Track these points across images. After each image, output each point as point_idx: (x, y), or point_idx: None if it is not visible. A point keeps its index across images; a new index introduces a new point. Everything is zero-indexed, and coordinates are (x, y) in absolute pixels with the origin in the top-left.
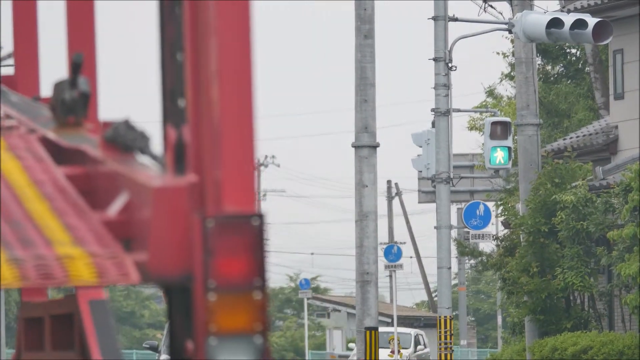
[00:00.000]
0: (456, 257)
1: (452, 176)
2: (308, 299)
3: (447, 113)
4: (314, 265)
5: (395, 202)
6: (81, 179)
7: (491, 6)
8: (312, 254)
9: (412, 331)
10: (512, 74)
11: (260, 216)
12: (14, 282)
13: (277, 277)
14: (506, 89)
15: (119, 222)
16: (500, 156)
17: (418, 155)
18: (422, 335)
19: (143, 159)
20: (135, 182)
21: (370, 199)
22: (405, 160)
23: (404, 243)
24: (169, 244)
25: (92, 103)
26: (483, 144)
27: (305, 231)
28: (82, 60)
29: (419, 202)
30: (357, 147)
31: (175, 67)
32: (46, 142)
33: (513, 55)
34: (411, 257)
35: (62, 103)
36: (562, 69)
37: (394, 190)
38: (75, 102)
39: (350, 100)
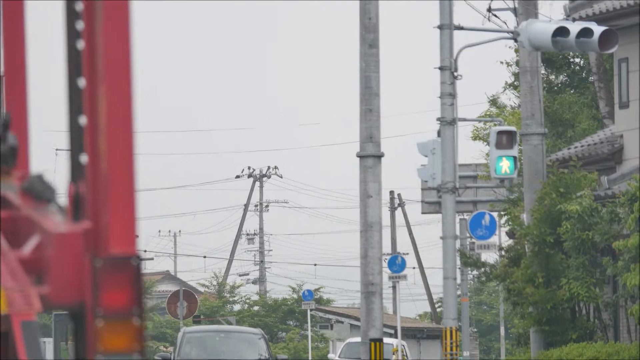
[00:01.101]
0: (459, 268)
1: (457, 186)
2: (311, 310)
3: (452, 122)
4: (317, 277)
5: (398, 212)
6: (7, 222)
7: (495, 15)
8: (315, 265)
9: (394, 341)
10: (515, 83)
11: (139, 257)
12: None
13: (280, 288)
14: (510, 99)
15: (31, 260)
16: (506, 166)
17: (422, 165)
18: (404, 345)
19: (53, 207)
20: (43, 227)
21: (375, 209)
22: (408, 170)
23: (407, 254)
24: (65, 279)
25: (23, 154)
26: (488, 153)
27: (308, 242)
28: (10, 119)
29: (422, 213)
30: (361, 157)
31: (78, 128)
32: None
33: (517, 65)
34: (414, 268)
35: None
36: (566, 78)
37: (396, 201)
38: (5, 154)
39: (354, 110)
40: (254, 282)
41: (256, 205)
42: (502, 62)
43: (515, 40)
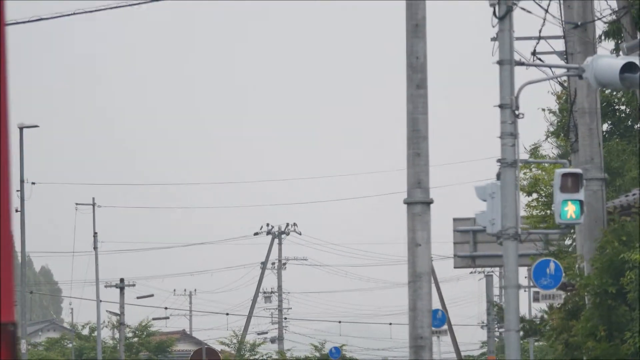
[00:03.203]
0: (480, 325)
1: (520, 232)
2: None
3: (514, 164)
4: (337, 335)
5: None
6: None
7: (539, 59)
8: (339, 322)
9: None
10: (558, 131)
11: (14, 324)
12: None
13: (299, 346)
14: (551, 148)
15: None
16: (571, 210)
17: (471, 215)
18: None
19: None
20: None
21: (423, 258)
22: (435, 224)
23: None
24: None
25: None
26: (528, 204)
27: (326, 300)
28: None
29: (455, 267)
30: (409, 203)
31: None
32: None
33: (560, 112)
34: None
35: None
36: (611, 126)
37: None
38: None
39: (376, 163)
40: (272, 341)
41: (273, 263)
42: (543, 110)
43: (580, 77)
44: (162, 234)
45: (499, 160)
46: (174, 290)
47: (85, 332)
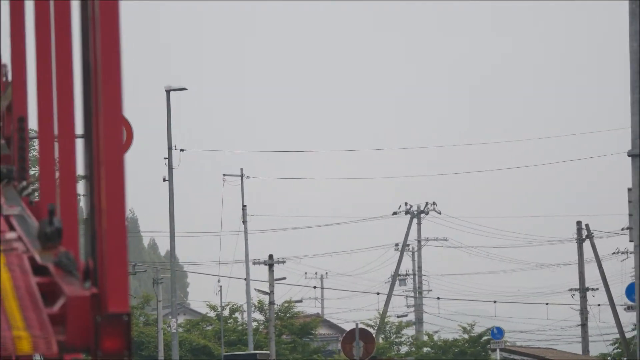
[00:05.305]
0: (625, 308)
1: None
2: (501, 349)
3: None
4: (474, 316)
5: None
6: (46, 285)
7: None
8: (494, 302)
9: None
10: None
11: (128, 314)
12: None
13: (435, 328)
14: None
15: (58, 315)
16: None
17: None
18: None
19: (73, 276)
20: (65, 291)
21: None
22: (596, 195)
23: (597, 289)
24: (76, 330)
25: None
26: None
27: (460, 282)
28: (54, 208)
29: (630, 242)
30: (633, 156)
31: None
32: (32, 259)
33: None
34: (599, 305)
35: (44, 235)
36: None
37: (584, 232)
38: (52, 234)
39: (508, 129)
40: (407, 325)
41: (408, 245)
42: None
43: None
44: (303, 207)
45: None
46: (305, 273)
47: (225, 313)
